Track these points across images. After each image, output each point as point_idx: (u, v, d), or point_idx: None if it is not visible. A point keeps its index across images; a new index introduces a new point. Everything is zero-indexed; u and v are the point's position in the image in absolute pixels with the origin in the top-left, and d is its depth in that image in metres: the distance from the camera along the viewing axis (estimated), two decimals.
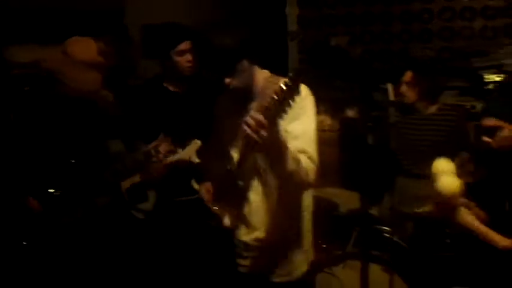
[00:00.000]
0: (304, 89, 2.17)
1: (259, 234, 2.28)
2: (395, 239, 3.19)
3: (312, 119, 2.20)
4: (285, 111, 1.81)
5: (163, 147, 2.33)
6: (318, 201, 3.55)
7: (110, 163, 2.53)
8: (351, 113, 4.53)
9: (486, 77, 4.63)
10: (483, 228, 2.73)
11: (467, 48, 5.04)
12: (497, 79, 4.59)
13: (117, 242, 2.69)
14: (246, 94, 2.20)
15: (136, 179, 2.69)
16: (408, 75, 3.72)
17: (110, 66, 2.88)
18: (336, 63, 4.94)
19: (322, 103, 4.41)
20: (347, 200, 3.69)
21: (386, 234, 3.25)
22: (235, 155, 2.18)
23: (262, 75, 2.24)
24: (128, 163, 2.45)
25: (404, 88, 3.73)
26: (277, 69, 2.29)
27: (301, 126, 2.15)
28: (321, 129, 3.83)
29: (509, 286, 2.39)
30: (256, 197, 2.26)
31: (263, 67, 2.30)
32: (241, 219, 2.28)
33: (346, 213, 3.55)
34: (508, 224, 2.45)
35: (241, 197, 2.23)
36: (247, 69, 2.13)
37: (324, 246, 3.45)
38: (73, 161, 2.41)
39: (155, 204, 2.72)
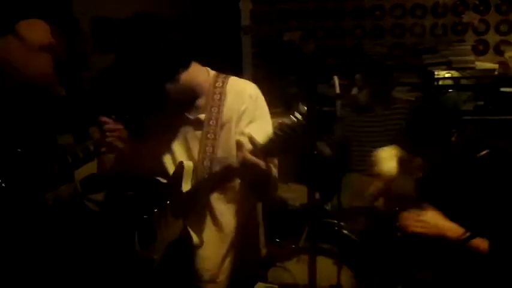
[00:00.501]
0: (255, 88, 2.15)
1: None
2: (346, 232, 3.21)
3: (268, 119, 2.15)
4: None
5: (110, 127, 2.21)
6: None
7: (59, 155, 2.43)
8: (302, 108, 4.53)
9: (436, 73, 4.72)
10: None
11: (418, 45, 5.14)
12: (447, 75, 4.69)
13: (68, 235, 2.60)
14: (186, 94, 2.11)
15: (92, 170, 2.62)
16: (357, 77, 3.77)
17: (61, 59, 2.79)
18: (288, 59, 4.95)
19: (276, 98, 4.44)
20: (300, 194, 3.69)
21: (337, 228, 3.27)
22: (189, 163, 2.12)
23: (205, 73, 2.17)
24: (77, 153, 2.36)
25: (355, 90, 3.80)
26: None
27: (261, 130, 2.04)
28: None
29: (459, 280, 2.41)
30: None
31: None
32: None
33: (299, 207, 3.55)
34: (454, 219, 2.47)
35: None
36: (191, 67, 2.06)
37: (277, 240, 3.45)
38: (19, 150, 2.30)
39: (106, 196, 2.64)
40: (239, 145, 1.89)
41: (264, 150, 1.81)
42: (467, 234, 2.20)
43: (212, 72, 2.17)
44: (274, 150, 1.80)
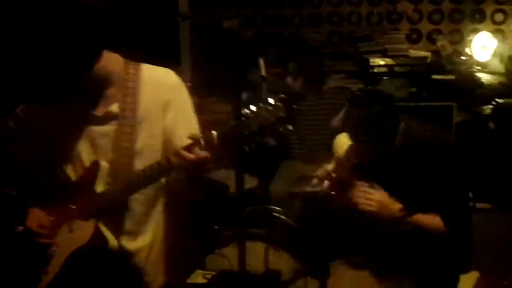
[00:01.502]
0: (176, 77, 2.04)
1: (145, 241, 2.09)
2: (283, 217, 3.24)
3: (191, 108, 2.07)
4: None
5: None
6: (209, 184, 3.58)
7: None
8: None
9: (372, 61, 4.80)
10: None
11: (355, 33, 5.21)
12: (382, 63, 4.78)
13: None
14: (96, 83, 1.95)
15: None
16: (292, 66, 3.79)
17: None
18: (227, 46, 4.92)
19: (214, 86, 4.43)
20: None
21: (275, 214, 3.30)
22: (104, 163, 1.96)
23: (116, 60, 1.99)
24: None
25: (289, 79, 3.83)
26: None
27: (188, 122, 2.02)
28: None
29: (399, 263, 2.47)
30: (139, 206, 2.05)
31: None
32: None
33: (237, 193, 3.55)
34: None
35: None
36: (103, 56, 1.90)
37: (216, 227, 3.45)
38: None
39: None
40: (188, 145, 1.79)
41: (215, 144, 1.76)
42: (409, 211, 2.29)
43: (121, 59, 2.01)
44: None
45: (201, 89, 4.37)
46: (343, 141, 2.88)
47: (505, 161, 3.85)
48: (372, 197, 2.38)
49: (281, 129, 1.69)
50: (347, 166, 2.81)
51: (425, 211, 2.37)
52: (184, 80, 2.09)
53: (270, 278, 2.94)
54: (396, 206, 2.34)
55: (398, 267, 2.42)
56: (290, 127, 1.81)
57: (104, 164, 1.93)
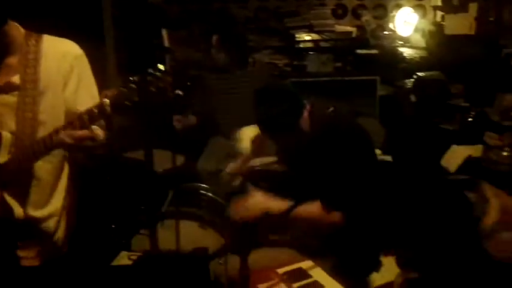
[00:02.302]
0: (78, 48, 2.03)
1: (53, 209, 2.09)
2: (211, 195, 3.21)
3: (93, 80, 2.07)
4: None
5: None
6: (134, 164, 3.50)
7: None
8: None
9: (297, 36, 4.82)
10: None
11: (281, 9, 5.20)
12: (307, 38, 4.81)
13: None
14: None
15: None
16: (215, 39, 3.74)
17: None
18: (152, 22, 4.80)
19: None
20: (164, 160, 3.64)
21: (203, 191, 3.26)
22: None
23: (17, 29, 1.98)
24: None
25: (213, 52, 3.78)
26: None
27: (89, 94, 2.02)
28: None
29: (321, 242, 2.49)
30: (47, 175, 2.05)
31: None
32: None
33: (162, 172, 3.49)
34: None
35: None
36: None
37: (142, 207, 3.38)
38: None
39: None
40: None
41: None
42: (291, 205, 2.27)
43: (23, 30, 2.00)
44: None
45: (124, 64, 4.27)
46: (248, 134, 2.87)
47: (425, 132, 3.97)
48: (245, 204, 2.35)
49: (171, 95, 1.67)
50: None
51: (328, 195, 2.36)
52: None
53: (197, 256, 2.90)
54: (275, 204, 2.33)
55: (321, 245, 2.43)
56: (180, 92, 1.83)
57: (6, 134, 1.93)
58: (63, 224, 2.13)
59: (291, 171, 2.61)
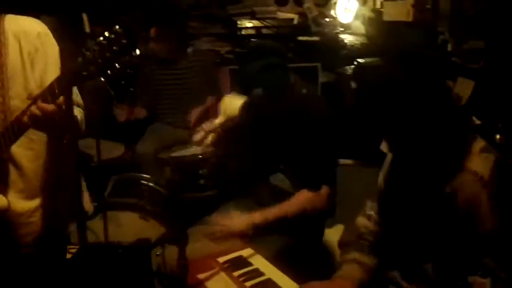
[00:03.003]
0: (42, 26, 1.91)
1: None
2: (152, 184, 3.17)
3: (59, 59, 1.93)
4: None
5: None
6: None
7: None
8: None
9: (239, 23, 4.79)
10: None
11: None
12: (249, 25, 4.79)
13: None
14: None
15: None
16: (153, 31, 3.70)
17: None
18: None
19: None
20: (104, 150, 3.57)
21: (144, 181, 3.21)
22: None
23: None
24: None
25: (152, 44, 3.73)
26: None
27: (57, 73, 1.85)
28: None
29: None
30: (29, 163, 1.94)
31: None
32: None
33: (102, 162, 3.42)
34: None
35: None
36: None
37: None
38: None
39: None
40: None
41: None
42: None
43: None
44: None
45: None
46: (231, 101, 2.84)
47: (366, 119, 4.01)
48: (220, 225, 2.37)
49: (128, 58, 1.60)
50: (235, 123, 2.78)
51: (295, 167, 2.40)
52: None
53: (138, 247, 2.86)
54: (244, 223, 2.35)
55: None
56: (136, 53, 1.74)
57: None
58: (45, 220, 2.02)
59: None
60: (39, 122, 1.71)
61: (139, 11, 4.97)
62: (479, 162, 1.66)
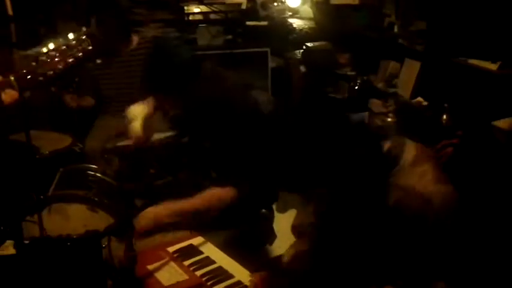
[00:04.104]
0: None
1: None
2: (100, 175, 3.10)
3: None
4: None
5: None
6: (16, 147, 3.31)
7: None
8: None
9: (187, 8, 4.72)
10: None
11: None
12: (197, 10, 4.72)
13: None
14: None
15: None
16: (93, 21, 3.60)
17: None
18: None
19: None
20: (51, 141, 3.48)
21: (91, 172, 3.14)
22: None
23: None
24: None
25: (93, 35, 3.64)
26: None
27: None
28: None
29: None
30: None
31: None
32: None
33: (49, 154, 3.33)
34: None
35: None
36: None
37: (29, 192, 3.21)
38: None
39: None
40: None
41: None
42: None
43: None
44: None
45: None
46: (138, 112, 2.81)
47: (315, 102, 4.05)
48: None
49: (90, 64, 1.58)
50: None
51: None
52: None
53: (88, 240, 2.80)
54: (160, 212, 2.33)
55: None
56: (98, 61, 1.73)
57: None
58: None
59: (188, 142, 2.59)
60: None
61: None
62: (412, 179, 1.60)
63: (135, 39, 3.79)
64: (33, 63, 1.57)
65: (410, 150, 1.65)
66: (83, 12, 4.49)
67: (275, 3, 5.05)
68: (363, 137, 1.70)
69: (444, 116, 3.15)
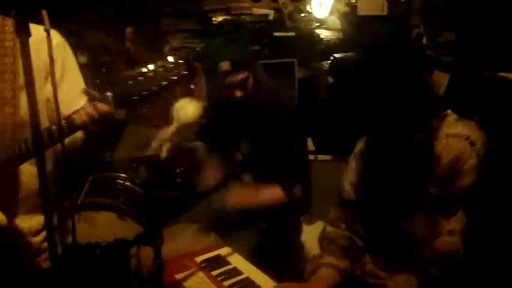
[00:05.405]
0: (59, 35, 1.82)
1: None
2: (128, 184, 3.14)
3: (78, 72, 1.89)
4: None
5: None
6: None
7: None
8: (81, 58, 4.30)
9: (214, 19, 4.76)
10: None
11: None
12: None
13: None
14: None
15: None
16: (129, 32, 3.66)
17: None
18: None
19: None
20: None
21: (120, 181, 3.18)
22: None
23: None
24: None
25: (128, 44, 3.70)
26: None
27: (74, 88, 1.83)
28: None
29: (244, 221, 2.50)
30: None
31: None
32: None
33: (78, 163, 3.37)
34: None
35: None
36: None
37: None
38: None
39: None
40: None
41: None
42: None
43: None
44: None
45: None
46: (184, 106, 2.84)
47: (342, 113, 4.03)
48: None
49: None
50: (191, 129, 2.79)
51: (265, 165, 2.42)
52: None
53: (116, 248, 2.83)
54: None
55: (244, 224, 2.45)
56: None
57: None
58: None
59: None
60: (95, 122, 1.66)
61: (109, 9, 4.93)
62: (460, 126, 1.81)
63: (167, 50, 3.84)
64: (130, 82, 1.60)
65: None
66: (109, 21, 4.57)
67: (302, 14, 5.06)
68: None
69: None
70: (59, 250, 2.00)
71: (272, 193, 2.44)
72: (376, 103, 1.82)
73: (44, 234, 1.91)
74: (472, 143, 1.76)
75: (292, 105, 2.70)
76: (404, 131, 1.80)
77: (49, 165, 1.85)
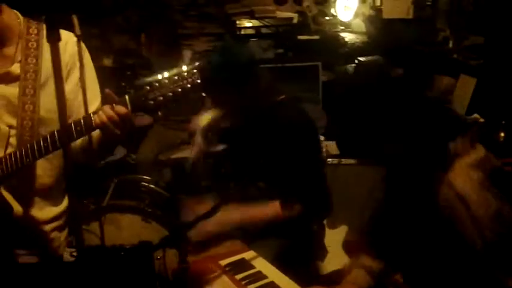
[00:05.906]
0: (70, 36, 1.81)
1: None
2: (153, 186, 3.16)
3: (95, 75, 1.97)
4: None
5: None
6: None
7: None
8: (107, 61, 4.35)
9: (238, 22, 4.77)
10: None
11: None
12: (248, 24, 4.76)
13: None
14: None
15: None
16: (143, 37, 3.69)
17: None
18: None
19: None
20: None
21: (144, 183, 3.20)
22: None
23: (15, 16, 1.88)
24: None
25: (143, 50, 3.73)
26: None
27: (91, 90, 1.89)
28: None
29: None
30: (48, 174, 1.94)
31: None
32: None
33: (103, 165, 3.41)
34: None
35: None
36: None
37: (85, 202, 3.29)
38: None
39: None
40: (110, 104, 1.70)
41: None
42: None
43: (21, 17, 1.89)
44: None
45: None
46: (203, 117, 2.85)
47: (367, 117, 4.00)
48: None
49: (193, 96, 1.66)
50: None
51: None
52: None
53: (141, 250, 2.84)
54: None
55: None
56: (203, 94, 1.83)
57: (3, 128, 1.83)
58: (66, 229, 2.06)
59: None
60: (114, 123, 1.71)
61: (134, 12, 4.97)
62: (461, 180, 1.63)
63: (188, 53, 3.85)
64: (147, 88, 1.66)
65: (477, 151, 1.67)
66: (134, 25, 4.62)
67: (327, 17, 5.04)
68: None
69: (502, 134, 3.08)
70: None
71: (265, 210, 2.40)
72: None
73: (54, 224, 2.00)
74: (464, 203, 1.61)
75: (306, 118, 2.62)
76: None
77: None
